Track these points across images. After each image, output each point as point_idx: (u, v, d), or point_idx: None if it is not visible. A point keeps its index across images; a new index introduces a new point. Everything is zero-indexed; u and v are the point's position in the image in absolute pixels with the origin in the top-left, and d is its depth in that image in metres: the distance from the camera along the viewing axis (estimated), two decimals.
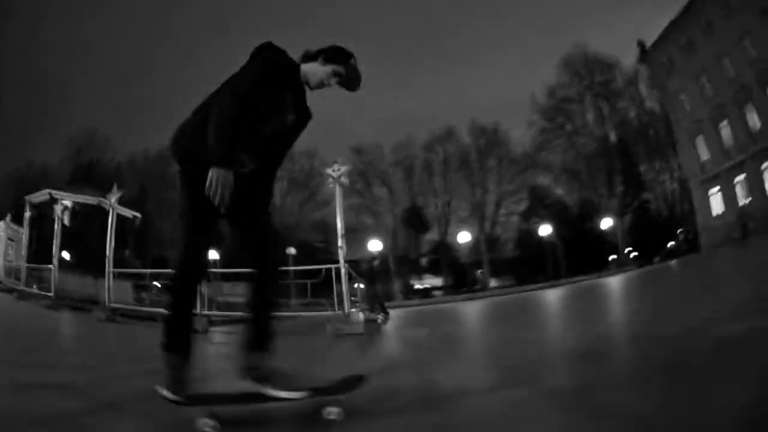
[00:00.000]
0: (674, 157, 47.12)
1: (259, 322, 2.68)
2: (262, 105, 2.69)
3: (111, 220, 14.29)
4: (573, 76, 53.18)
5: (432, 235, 55.71)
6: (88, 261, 19.82)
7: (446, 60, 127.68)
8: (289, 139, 2.99)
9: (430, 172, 60.74)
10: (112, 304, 12.62)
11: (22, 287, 17.32)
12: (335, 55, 2.86)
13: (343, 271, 11.31)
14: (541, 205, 55.16)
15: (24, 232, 22.26)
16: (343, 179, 12.14)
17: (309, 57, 2.88)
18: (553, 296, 17.28)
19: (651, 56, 43.90)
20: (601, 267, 43.25)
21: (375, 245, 46.13)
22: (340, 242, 11.72)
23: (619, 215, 48.75)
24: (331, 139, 62.34)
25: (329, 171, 12.21)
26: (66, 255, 20.96)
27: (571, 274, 41.71)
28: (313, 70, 2.84)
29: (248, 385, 2.51)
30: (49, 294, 14.71)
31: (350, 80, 2.88)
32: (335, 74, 2.83)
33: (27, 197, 26.48)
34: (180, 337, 2.57)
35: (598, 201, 50.75)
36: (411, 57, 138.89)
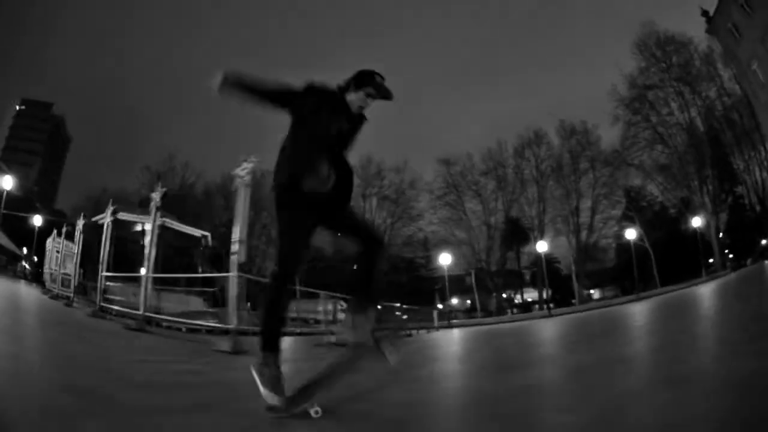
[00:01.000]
0: (760, 141, 43.42)
1: (366, 291, 3.39)
2: (328, 131, 3.39)
3: (151, 235, 15.73)
4: (649, 59, 50.19)
5: (529, 247, 51.28)
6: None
7: (526, 65, 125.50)
8: (349, 143, 3.61)
9: (522, 179, 58.65)
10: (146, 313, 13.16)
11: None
12: (361, 80, 3.48)
13: (234, 281, 10.91)
14: (636, 208, 51.91)
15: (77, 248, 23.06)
16: (247, 178, 11.33)
17: (345, 89, 3.49)
18: (644, 309, 16.63)
19: (716, 24, 40.48)
20: (696, 272, 39.10)
21: (445, 259, 44.12)
22: (234, 247, 11.27)
23: (713, 213, 45.28)
24: (420, 153, 62.39)
25: (237, 171, 11.47)
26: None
27: (664, 282, 39.86)
28: (351, 98, 3.46)
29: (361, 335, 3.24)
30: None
31: (382, 95, 3.54)
32: (368, 95, 3.48)
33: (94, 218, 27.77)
34: (276, 338, 3.10)
35: (691, 198, 47.47)
36: (490, 65, 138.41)
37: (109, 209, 17.24)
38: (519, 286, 61.71)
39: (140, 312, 12.58)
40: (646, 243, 42.83)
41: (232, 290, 10.83)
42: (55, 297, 18.43)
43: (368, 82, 3.47)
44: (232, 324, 10.24)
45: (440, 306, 58.28)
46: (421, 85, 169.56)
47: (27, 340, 5.94)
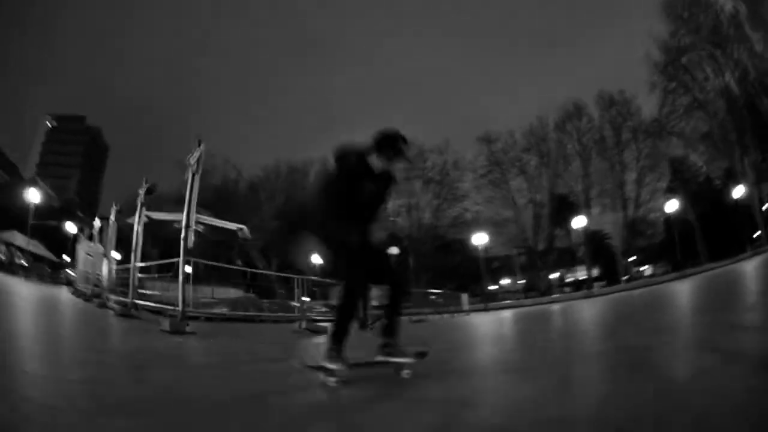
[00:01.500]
0: None
1: (392, 321, 4.34)
2: (356, 197, 4.23)
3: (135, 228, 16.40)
4: (677, 21, 49.16)
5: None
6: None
7: (557, 42, 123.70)
8: (381, 201, 4.49)
9: (565, 154, 58.35)
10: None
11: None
12: (385, 148, 4.23)
13: (182, 266, 11.61)
14: (681, 180, 51.12)
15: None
16: (194, 166, 11.96)
17: (368, 152, 4.22)
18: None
19: None
20: (741, 247, 38.01)
21: (481, 239, 42.90)
22: (183, 233, 11.74)
23: (755, 183, 43.65)
24: (461, 132, 61.53)
25: (188, 158, 12.11)
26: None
27: (711, 258, 38.80)
28: (375, 162, 4.23)
29: (383, 356, 4.27)
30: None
31: (401, 160, 4.32)
32: (390, 163, 4.29)
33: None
34: (345, 333, 4.07)
35: (734, 167, 46.27)
36: (523, 44, 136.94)
37: (139, 205, 16.96)
38: (570, 264, 60.20)
39: (174, 308, 12.20)
40: (691, 216, 40.00)
41: (180, 274, 11.33)
42: (88, 298, 18.14)
43: (390, 148, 4.23)
44: (179, 306, 10.87)
45: (492, 287, 57.35)
46: (460, 64, 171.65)
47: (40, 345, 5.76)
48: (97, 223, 23.90)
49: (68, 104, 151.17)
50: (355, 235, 4.06)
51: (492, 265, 61.90)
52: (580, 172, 56.93)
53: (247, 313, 18.57)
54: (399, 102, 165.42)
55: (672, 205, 41.97)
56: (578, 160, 57.10)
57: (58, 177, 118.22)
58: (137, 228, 16.33)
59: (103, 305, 12.81)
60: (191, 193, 12.06)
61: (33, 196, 38.35)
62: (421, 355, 4.27)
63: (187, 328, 9.52)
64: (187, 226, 11.73)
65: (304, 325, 12.69)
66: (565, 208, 55.79)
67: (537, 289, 57.41)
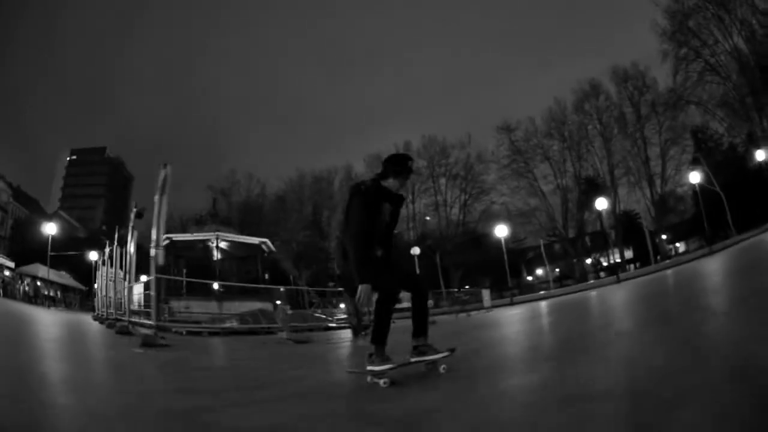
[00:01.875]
0: None
1: (419, 323, 4.71)
2: (376, 220, 4.72)
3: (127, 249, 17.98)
4: None
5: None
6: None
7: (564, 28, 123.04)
8: (398, 217, 5.08)
9: (587, 135, 57.49)
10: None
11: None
12: (397, 169, 4.79)
13: (153, 282, 12.74)
14: (704, 150, 49.19)
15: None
16: (159, 188, 12.85)
17: (384, 176, 4.80)
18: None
19: None
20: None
21: (501, 231, 44.01)
22: (152, 252, 12.29)
23: None
24: (482, 124, 60.91)
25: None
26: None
27: (740, 230, 36.58)
28: (390, 185, 4.79)
29: (416, 356, 4.62)
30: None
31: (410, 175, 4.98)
32: (403, 180, 4.88)
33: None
34: (385, 336, 4.50)
35: (754, 131, 45.28)
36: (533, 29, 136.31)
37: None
38: (604, 247, 59.07)
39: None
40: (716, 186, 38.99)
41: (153, 290, 12.23)
42: (111, 323, 17.18)
43: (402, 171, 4.82)
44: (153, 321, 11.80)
45: (529, 278, 56.09)
46: (475, 58, 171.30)
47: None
48: (107, 248, 24.08)
49: (89, 138, 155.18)
50: (379, 252, 4.80)
51: (527, 256, 60.87)
52: (603, 153, 56.08)
53: (240, 326, 18.63)
54: (417, 103, 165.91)
55: (695, 177, 40.53)
56: (600, 140, 56.24)
57: (82, 208, 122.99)
58: (131, 250, 17.27)
59: (125, 331, 12.50)
60: (159, 214, 12.57)
61: (50, 229, 40.25)
62: (451, 351, 4.70)
63: (162, 341, 10.12)
64: (157, 245, 12.27)
65: (285, 335, 13.19)
66: (592, 191, 54.25)
67: (572, 276, 56.58)
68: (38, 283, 40.12)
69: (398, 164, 4.79)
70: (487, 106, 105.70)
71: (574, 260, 57.54)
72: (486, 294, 33.30)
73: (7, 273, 41.75)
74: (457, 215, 61.85)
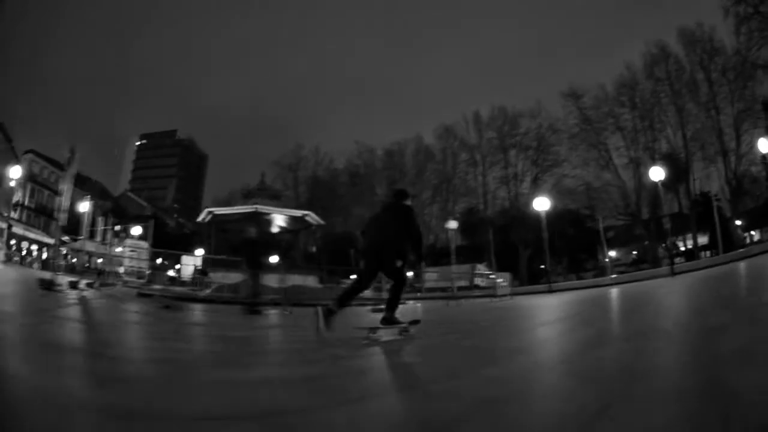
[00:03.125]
0: None
1: (392, 300, 6.86)
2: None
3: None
4: None
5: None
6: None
7: None
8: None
9: (660, 102, 52.83)
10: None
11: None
12: (406, 196, 7.50)
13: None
14: None
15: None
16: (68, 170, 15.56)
17: (402, 198, 7.42)
18: None
19: None
20: None
21: (542, 203, 38.18)
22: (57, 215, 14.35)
23: None
24: (553, 91, 58.02)
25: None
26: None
27: None
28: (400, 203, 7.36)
29: (383, 322, 6.68)
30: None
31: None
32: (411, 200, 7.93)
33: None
34: (397, 305, 6.87)
35: None
36: None
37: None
38: (681, 231, 54.28)
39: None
40: None
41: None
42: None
43: (406, 197, 7.48)
44: None
45: (607, 259, 53.55)
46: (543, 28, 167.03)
47: None
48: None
49: (162, 121, 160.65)
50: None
51: (607, 235, 57.93)
52: (677, 124, 51.58)
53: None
54: (487, 70, 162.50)
55: (762, 144, 33.57)
56: (673, 109, 51.61)
57: (152, 188, 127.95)
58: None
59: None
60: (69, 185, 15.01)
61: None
62: (415, 322, 7.04)
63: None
64: (64, 210, 15.07)
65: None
66: (670, 167, 50.43)
67: (647, 261, 52.78)
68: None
69: (406, 195, 7.54)
70: (558, 73, 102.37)
71: (645, 243, 54.19)
72: (504, 278, 28.19)
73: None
74: (528, 189, 57.64)
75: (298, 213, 33.13)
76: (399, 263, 6.79)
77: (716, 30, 49.36)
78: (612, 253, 57.78)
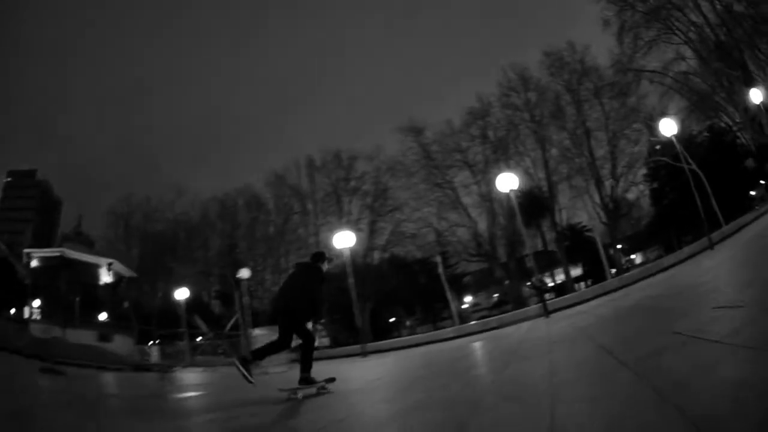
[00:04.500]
0: None
1: (304, 362, 7.52)
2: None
3: None
4: None
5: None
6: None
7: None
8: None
9: (517, 134, 48.61)
10: None
11: None
12: (322, 259, 8.51)
13: None
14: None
15: None
16: None
17: (318, 260, 8.46)
18: None
19: None
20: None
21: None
22: None
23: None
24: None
25: None
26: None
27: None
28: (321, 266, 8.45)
29: (301, 383, 7.32)
30: None
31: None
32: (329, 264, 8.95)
33: None
34: (311, 365, 7.59)
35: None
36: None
37: None
38: (549, 266, 51.62)
39: None
40: (693, 165, 29.90)
41: None
42: None
43: (323, 260, 8.50)
44: None
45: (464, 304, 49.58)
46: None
47: None
48: None
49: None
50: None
51: (464, 279, 53.78)
52: (537, 153, 47.71)
53: None
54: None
55: (663, 125, 29.59)
56: (534, 138, 47.53)
57: (11, 232, 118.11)
58: None
59: None
60: None
61: None
62: (331, 379, 7.84)
63: None
64: None
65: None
66: (533, 204, 46.96)
67: (509, 302, 48.47)
68: None
69: (323, 258, 8.58)
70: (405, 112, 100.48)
71: (506, 282, 48.98)
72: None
73: None
74: (365, 237, 49.76)
75: (102, 261, 29.44)
76: (308, 324, 7.77)
77: (590, 48, 46.50)
78: (468, 299, 55.51)
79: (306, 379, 7.22)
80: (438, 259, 47.98)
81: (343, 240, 29.09)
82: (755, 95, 31.71)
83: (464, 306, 53.18)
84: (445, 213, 48.96)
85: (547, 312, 20.78)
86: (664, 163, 39.25)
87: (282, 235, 55.51)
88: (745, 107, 37.73)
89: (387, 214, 50.88)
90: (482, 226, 47.95)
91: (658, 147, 40.60)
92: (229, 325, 39.82)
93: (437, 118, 72.27)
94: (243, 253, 54.52)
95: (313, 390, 7.18)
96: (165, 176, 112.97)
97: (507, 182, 27.04)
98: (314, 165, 55.40)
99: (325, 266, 8.26)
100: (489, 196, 47.60)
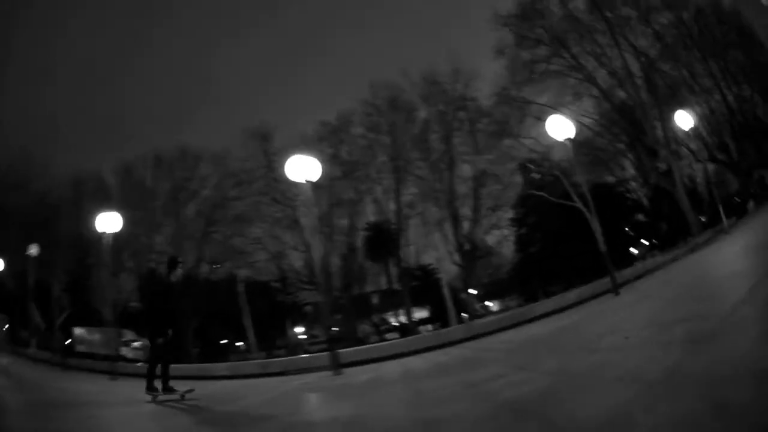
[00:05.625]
0: None
1: (163, 374, 8.85)
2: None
3: None
4: None
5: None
6: None
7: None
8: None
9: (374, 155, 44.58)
10: None
11: None
12: (173, 265, 9.31)
13: None
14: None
15: None
16: None
17: (170, 267, 9.26)
18: None
19: None
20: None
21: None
22: None
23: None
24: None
25: None
26: None
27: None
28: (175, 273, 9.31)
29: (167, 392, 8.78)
30: None
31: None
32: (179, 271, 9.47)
33: None
34: (154, 374, 8.82)
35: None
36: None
37: None
38: (398, 306, 47.12)
39: None
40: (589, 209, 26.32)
41: None
42: None
43: (176, 265, 9.31)
44: None
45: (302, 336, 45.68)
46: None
47: None
48: None
49: None
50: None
51: (304, 308, 51.81)
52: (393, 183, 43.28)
53: None
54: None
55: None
56: (390, 165, 43.12)
57: None
58: None
59: None
60: None
61: None
62: (190, 390, 8.89)
63: None
64: None
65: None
66: (382, 238, 43.57)
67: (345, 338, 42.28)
68: None
69: (174, 263, 9.27)
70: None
71: (338, 317, 44.07)
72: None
73: None
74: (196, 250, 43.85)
75: None
76: (159, 339, 8.58)
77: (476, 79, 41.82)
78: (298, 329, 51.73)
79: (149, 387, 8.44)
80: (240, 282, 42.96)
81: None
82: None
83: (302, 337, 49.09)
84: (279, 232, 44.26)
85: (337, 366, 15.18)
86: (533, 205, 39.22)
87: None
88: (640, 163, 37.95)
89: (219, 224, 44.92)
90: (318, 253, 41.69)
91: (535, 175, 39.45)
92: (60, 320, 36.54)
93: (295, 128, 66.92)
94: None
95: (176, 396, 8.63)
96: None
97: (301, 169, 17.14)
98: (162, 162, 46.81)
99: (176, 273, 8.89)
100: (330, 221, 42.99)
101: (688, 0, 38.20)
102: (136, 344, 33.48)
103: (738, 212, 33.48)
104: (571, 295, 22.78)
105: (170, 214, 45.05)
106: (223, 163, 45.69)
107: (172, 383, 8.84)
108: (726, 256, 13.20)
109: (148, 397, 8.28)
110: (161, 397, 8.23)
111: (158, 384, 8.39)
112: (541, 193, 35.90)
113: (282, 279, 47.38)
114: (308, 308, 51.05)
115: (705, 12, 38.62)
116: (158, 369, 8.64)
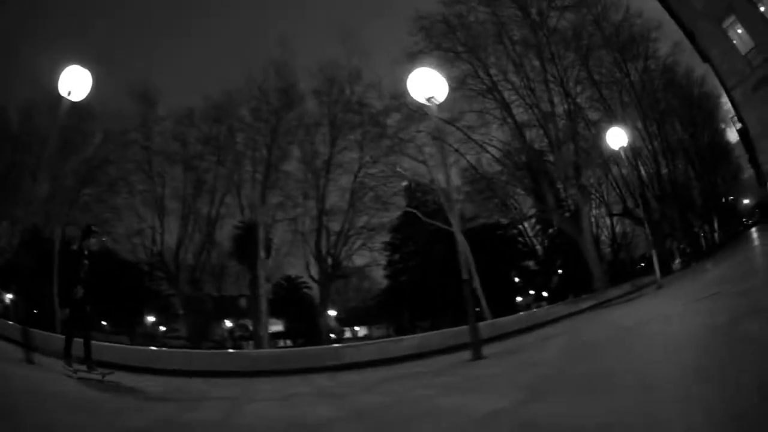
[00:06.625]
0: None
1: (87, 348, 8.54)
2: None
3: None
4: None
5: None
6: None
7: None
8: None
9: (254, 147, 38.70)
10: None
11: None
12: (87, 234, 8.86)
13: None
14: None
15: None
16: None
17: (83, 237, 8.86)
18: None
19: None
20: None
21: None
22: None
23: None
24: None
25: None
26: None
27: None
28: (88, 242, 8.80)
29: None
30: None
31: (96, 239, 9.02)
32: (93, 240, 8.92)
33: None
34: (70, 345, 8.46)
35: None
36: None
37: None
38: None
39: None
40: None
41: None
42: None
43: (90, 234, 8.85)
44: None
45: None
46: None
47: None
48: None
49: None
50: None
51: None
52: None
53: None
54: None
55: None
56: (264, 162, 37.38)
57: None
58: None
59: None
60: None
61: None
62: (110, 373, 8.47)
63: None
64: None
65: None
66: (249, 239, 37.21)
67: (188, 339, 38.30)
68: None
69: (88, 233, 8.92)
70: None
71: (181, 313, 40.06)
72: None
73: None
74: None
75: None
76: (65, 310, 8.67)
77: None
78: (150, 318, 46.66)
79: (65, 356, 8.39)
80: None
81: None
82: None
83: (162, 328, 45.85)
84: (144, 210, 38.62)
85: None
86: (412, 234, 38.17)
87: None
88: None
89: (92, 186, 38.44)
90: (173, 239, 37.82)
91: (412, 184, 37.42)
92: None
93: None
94: None
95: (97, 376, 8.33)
96: None
97: None
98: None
99: (89, 242, 8.49)
100: (195, 208, 38.16)
101: (639, 55, 37.77)
102: None
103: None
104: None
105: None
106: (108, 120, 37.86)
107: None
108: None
109: (68, 370, 8.05)
110: (81, 374, 7.94)
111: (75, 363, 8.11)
112: (415, 211, 34.44)
113: (150, 263, 40.54)
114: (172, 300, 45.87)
115: (653, 71, 38.63)
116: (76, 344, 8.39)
